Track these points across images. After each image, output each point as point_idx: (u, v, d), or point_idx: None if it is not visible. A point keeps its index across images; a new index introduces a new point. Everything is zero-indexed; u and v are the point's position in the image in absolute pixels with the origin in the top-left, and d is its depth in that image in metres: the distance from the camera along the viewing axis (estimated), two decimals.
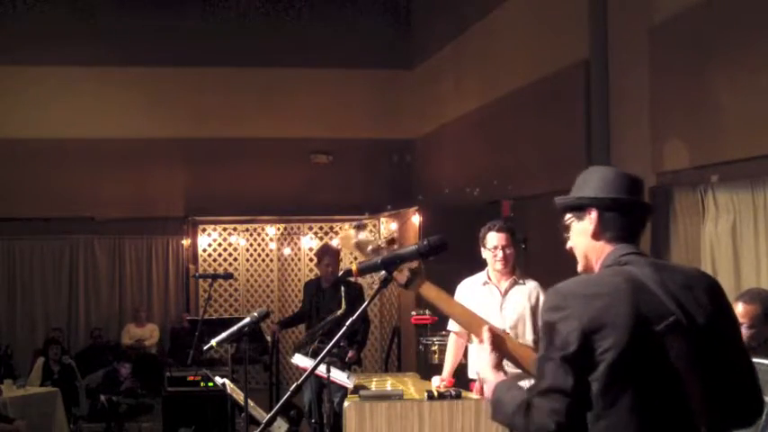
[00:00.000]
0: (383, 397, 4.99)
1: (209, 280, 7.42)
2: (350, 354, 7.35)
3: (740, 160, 5.63)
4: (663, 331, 1.95)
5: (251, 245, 12.15)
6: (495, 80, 9.50)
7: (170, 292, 12.30)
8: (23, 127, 11.71)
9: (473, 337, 2.37)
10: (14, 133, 11.65)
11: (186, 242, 12.08)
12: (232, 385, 5.20)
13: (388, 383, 5.64)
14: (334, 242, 11.54)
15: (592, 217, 2.17)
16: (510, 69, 9.13)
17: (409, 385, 5.43)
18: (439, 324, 6.99)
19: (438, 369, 5.64)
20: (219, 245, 12.14)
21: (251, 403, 4.55)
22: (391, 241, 2.42)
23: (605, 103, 7.20)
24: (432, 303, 2.48)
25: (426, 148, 12.07)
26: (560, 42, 7.96)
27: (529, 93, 8.57)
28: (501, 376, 2.24)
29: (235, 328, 4.34)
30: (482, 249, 4.93)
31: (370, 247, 2.40)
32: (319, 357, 2.48)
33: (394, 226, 10.33)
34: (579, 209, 2.20)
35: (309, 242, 11.79)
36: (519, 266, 5.03)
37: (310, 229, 11.87)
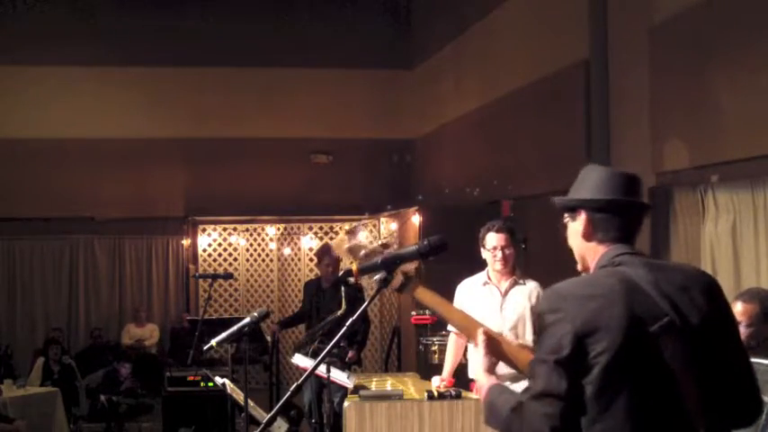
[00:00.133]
0: (383, 397, 4.99)
1: (209, 280, 7.42)
2: (350, 354, 7.35)
3: (740, 160, 5.63)
4: (657, 332, 1.94)
5: (251, 245, 12.15)
6: (495, 80, 9.49)
7: (170, 292, 12.30)
8: (23, 127, 11.71)
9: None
10: (14, 133, 11.65)
11: (186, 242, 12.08)
12: (232, 385, 5.20)
13: (388, 383, 5.64)
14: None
15: (582, 218, 2.18)
16: (510, 69, 9.13)
17: (409, 385, 5.43)
18: (439, 324, 6.99)
19: (438, 369, 5.64)
20: (219, 245, 12.14)
21: (251, 403, 4.55)
22: (384, 245, 2.42)
23: (605, 103, 7.20)
24: (427, 307, 2.47)
25: (426, 148, 12.07)
26: (560, 42, 7.96)
27: (529, 93, 8.57)
28: (493, 380, 2.24)
29: (235, 328, 4.34)
30: (482, 249, 4.93)
31: (362, 252, 2.39)
32: (319, 357, 2.48)
33: (394, 226, 10.33)
34: (572, 209, 2.20)
35: (309, 242, 11.79)
36: (519, 266, 5.03)
37: (310, 229, 11.87)
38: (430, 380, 5.30)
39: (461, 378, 5.20)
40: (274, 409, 2.40)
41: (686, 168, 6.20)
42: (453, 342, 5.17)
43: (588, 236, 2.17)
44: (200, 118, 12.13)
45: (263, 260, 12.14)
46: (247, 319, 4.38)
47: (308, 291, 8.13)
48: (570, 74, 7.65)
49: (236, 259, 12.10)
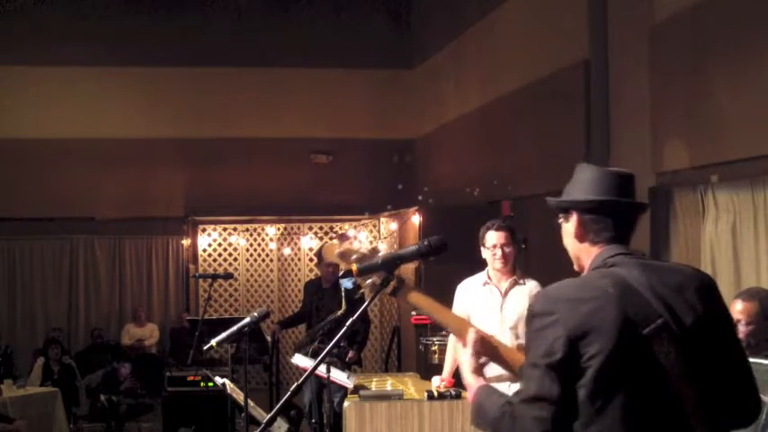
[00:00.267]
0: (383, 397, 4.99)
1: (209, 280, 7.42)
2: (350, 354, 7.35)
3: (740, 160, 5.63)
4: (650, 334, 1.92)
5: (251, 245, 12.15)
6: (495, 80, 9.50)
7: (170, 292, 12.30)
8: (23, 127, 11.71)
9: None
10: (14, 133, 11.66)
11: (186, 242, 12.08)
12: (232, 385, 5.20)
13: (388, 383, 5.64)
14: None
15: (574, 219, 2.16)
16: (510, 69, 9.13)
17: (409, 385, 5.43)
18: (439, 324, 6.98)
19: (438, 369, 5.64)
20: (219, 245, 12.14)
21: (251, 403, 4.55)
22: (374, 250, 2.41)
23: (605, 103, 7.20)
24: (421, 311, 2.46)
25: (426, 148, 12.07)
26: (560, 42, 7.96)
27: (529, 93, 8.57)
28: (482, 381, 2.22)
29: (235, 328, 4.34)
30: (482, 249, 4.92)
31: (353, 257, 2.39)
32: (319, 357, 2.48)
33: (394, 226, 10.33)
34: (565, 210, 2.19)
35: (309, 242, 11.80)
36: (519, 266, 5.03)
37: (310, 229, 11.87)
38: (430, 380, 5.30)
39: (461, 378, 5.19)
40: (274, 409, 2.40)
41: (686, 168, 6.20)
42: (453, 342, 5.16)
43: (581, 237, 2.16)
44: (201, 118, 12.14)
45: (263, 260, 12.14)
46: (247, 319, 4.38)
47: (308, 291, 8.13)
48: (570, 74, 7.65)
49: (236, 259, 12.10)
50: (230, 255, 12.12)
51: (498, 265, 4.86)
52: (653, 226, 6.29)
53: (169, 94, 12.20)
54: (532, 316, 2.01)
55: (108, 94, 12.00)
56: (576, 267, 2.21)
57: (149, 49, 11.82)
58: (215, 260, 12.06)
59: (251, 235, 12.16)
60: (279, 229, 12.07)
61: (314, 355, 6.28)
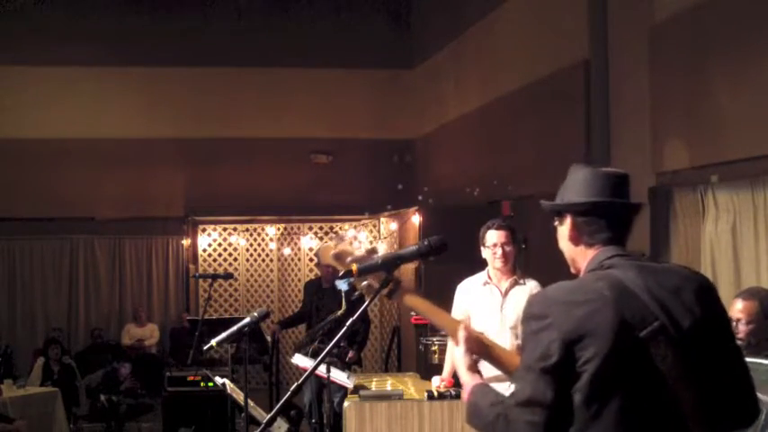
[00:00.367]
0: (383, 397, 4.99)
1: (209, 280, 7.42)
2: (350, 354, 7.35)
3: (740, 160, 5.63)
4: (647, 337, 1.90)
5: (251, 245, 12.15)
6: (495, 80, 9.50)
7: (170, 292, 12.30)
8: (23, 127, 11.72)
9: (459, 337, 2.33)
10: (14, 133, 11.66)
11: (186, 242, 12.09)
12: (232, 385, 5.20)
13: (388, 383, 5.64)
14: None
15: (568, 222, 2.14)
16: (510, 69, 9.13)
17: (409, 385, 5.43)
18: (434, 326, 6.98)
19: (438, 369, 5.64)
20: (219, 245, 12.14)
21: (251, 403, 4.55)
22: (371, 251, 2.40)
23: (605, 103, 7.20)
24: (417, 313, 2.45)
25: (426, 148, 12.07)
26: (560, 42, 7.96)
27: (529, 93, 8.57)
28: (477, 378, 2.21)
29: (235, 328, 4.34)
30: (482, 248, 4.92)
31: (349, 259, 2.38)
32: (320, 358, 2.48)
33: (394, 226, 10.33)
34: (559, 213, 2.17)
35: (309, 242, 11.80)
36: (519, 266, 5.03)
37: (310, 229, 11.87)
38: (430, 380, 5.29)
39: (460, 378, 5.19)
40: (274, 410, 2.40)
41: (686, 168, 6.20)
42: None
43: (575, 239, 2.14)
44: (201, 118, 12.14)
45: (263, 260, 12.14)
46: (247, 319, 4.38)
47: (308, 291, 8.13)
48: (570, 74, 7.65)
49: (236, 259, 12.10)
50: (230, 255, 12.12)
51: (498, 264, 4.86)
52: (653, 226, 6.29)
53: (169, 94, 12.20)
54: (528, 319, 1.99)
55: (108, 94, 12.01)
56: (573, 270, 2.19)
57: (149, 49, 11.82)
58: (215, 260, 12.06)
59: (251, 235, 12.16)
60: (279, 229, 12.07)
61: (314, 355, 6.28)
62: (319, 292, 7.77)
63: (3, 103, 11.73)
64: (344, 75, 12.33)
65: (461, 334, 2.27)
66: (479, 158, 9.99)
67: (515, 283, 4.92)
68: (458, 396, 4.84)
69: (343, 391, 5.94)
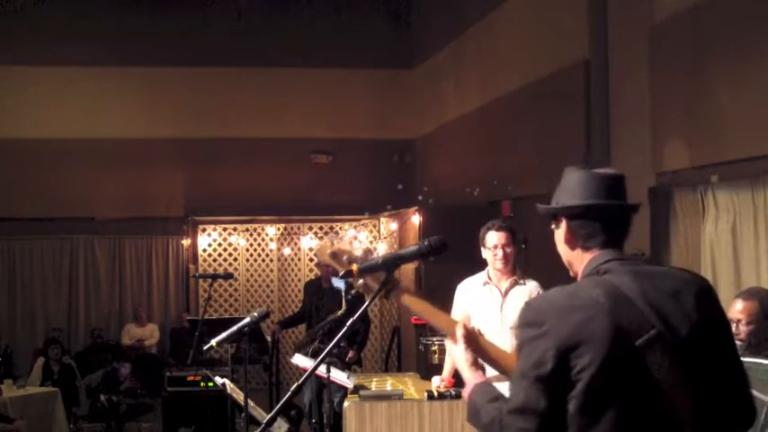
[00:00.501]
0: (383, 397, 5.00)
1: (209, 280, 7.42)
2: (350, 354, 7.36)
3: (740, 160, 5.63)
4: (643, 345, 1.88)
5: (251, 245, 12.15)
6: (495, 80, 9.50)
7: (170, 292, 12.31)
8: (23, 127, 11.72)
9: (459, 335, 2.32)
10: (14, 133, 11.66)
11: (186, 242, 12.09)
12: (232, 385, 5.20)
13: (388, 383, 5.64)
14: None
15: (563, 226, 2.12)
16: (510, 69, 9.13)
17: (409, 385, 5.43)
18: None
19: (438, 369, 5.64)
20: (219, 245, 12.14)
21: (251, 403, 4.55)
22: (367, 251, 2.41)
23: (605, 103, 7.20)
24: (414, 312, 2.45)
25: (426, 148, 12.07)
26: (560, 42, 7.96)
27: (529, 93, 8.57)
28: (480, 376, 2.20)
29: (235, 328, 4.34)
30: (482, 249, 4.92)
31: (345, 257, 2.38)
32: (320, 358, 2.48)
33: (394, 226, 10.33)
34: (554, 216, 2.15)
35: (309, 242, 11.80)
36: (519, 266, 5.03)
37: (310, 229, 11.87)
38: (430, 380, 5.29)
39: (461, 378, 5.19)
40: (275, 410, 2.40)
41: (686, 168, 6.20)
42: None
43: (571, 243, 2.11)
44: (201, 118, 12.14)
45: (263, 260, 12.14)
46: (247, 319, 4.38)
47: (308, 291, 8.13)
48: (570, 74, 7.65)
49: (236, 259, 12.10)
50: (230, 255, 12.12)
51: (499, 265, 4.86)
52: (653, 226, 6.29)
53: (169, 94, 12.20)
54: (523, 325, 1.97)
55: (108, 94, 12.01)
56: (571, 273, 2.17)
57: (149, 49, 11.82)
58: (215, 260, 12.06)
59: (251, 235, 12.16)
60: (279, 229, 12.07)
61: (314, 355, 6.28)
62: (319, 292, 7.77)
63: (3, 103, 11.73)
64: (344, 75, 12.33)
65: (460, 332, 2.27)
66: (479, 158, 9.99)
67: (515, 284, 4.92)
68: (458, 396, 4.84)
69: (343, 391, 5.94)
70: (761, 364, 3.15)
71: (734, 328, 3.59)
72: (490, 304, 4.89)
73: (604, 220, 2.08)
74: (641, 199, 6.10)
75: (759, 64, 5.41)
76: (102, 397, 9.04)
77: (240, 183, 12.12)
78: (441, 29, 11.24)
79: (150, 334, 11.74)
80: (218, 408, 7.15)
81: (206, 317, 8.79)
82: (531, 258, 7.30)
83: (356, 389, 5.32)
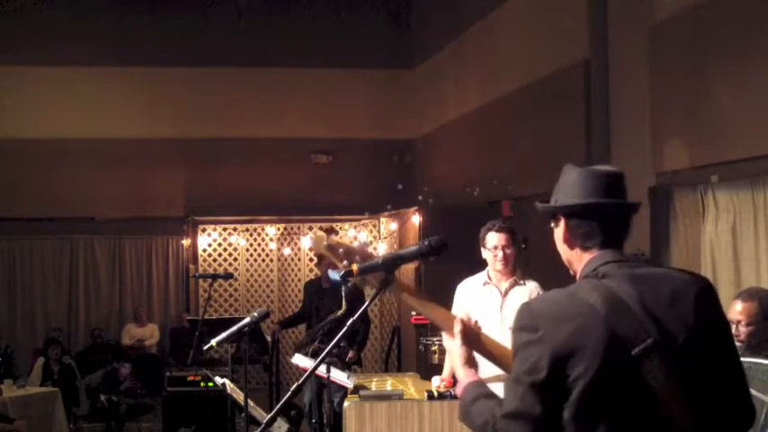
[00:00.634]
0: (383, 397, 4.99)
1: (209, 280, 7.42)
2: (350, 354, 7.36)
3: (740, 160, 5.63)
4: (639, 355, 1.85)
5: (251, 245, 12.16)
6: (495, 80, 9.50)
7: (170, 292, 12.31)
8: (23, 127, 11.72)
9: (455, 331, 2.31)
10: (14, 133, 11.66)
11: (186, 242, 12.09)
12: (232, 385, 5.20)
13: (388, 383, 5.64)
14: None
15: (562, 225, 2.09)
16: (510, 69, 9.13)
17: (409, 385, 5.43)
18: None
19: (438, 369, 5.64)
20: (219, 245, 12.14)
21: (251, 403, 4.55)
22: (363, 244, 2.40)
23: (605, 103, 7.20)
24: (410, 305, 2.44)
25: (426, 148, 12.07)
26: (560, 42, 7.96)
27: (529, 93, 8.57)
28: (473, 375, 2.19)
29: (235, 328, 4.34)
30: (482, 249, 4.92)
31: (341, 250, 2.38)
32: (320, 358, 2.48)
33: (394, 226, 10.33)
34: (554, 215, 2.12)
35: (309, 242, 11.79)
36: (519, 266, 5.03)
37: (310, 229, 11.87)
38: (430, 380, 5.29)
39: None
40: (275, 410, 2.40)
41: (686, 168, 6.20)
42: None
43: (570, 242, 2.08)
44: (201, 118, 12.14)
45: (263, 260, 12.14)
46: (247, 319, 4.38)
47: (308, 291, 8.13)
48: (570, 74, 7.66)
49: (236, 259, 12.10)
50: (230, 255, 12.12)
51: (499, 266, 4.86)
52: (653, 226, 6.29)
53: (169, 94, 12.20)
54: (518, 329, 1.95)
55: (108, 94, 12.01)
56: (571, 272, 2.15)
57: (149, 49, 11.82)
58: (215, 260, 12.06)
59: (251, 235, 12.16)
60: (279, 229, 12.07)
61: (314, 355, 6.28)
62: (319, 292, 7.77)
63: (3, 103, 11.73)
64: (344, 75, 12.33)
65: (458, 327, 2.26)
66: (479, 158, 9.99)
67: (515, 284, 4.92)
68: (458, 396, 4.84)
69: (343, 391, 5.94)
70: (761, 364, 3.15)
71: (733, 329, 3.59)
72: (490, 304, 4.89)
73: (603, 220, 2.05)
74: (641, 199, 6.10)
75: (759, 64, 5.41)
76: (102, 397, 9.04)
77: (240, 183, 12.12)
78: (441, 29, 11.24)
79: (150, 334, 11.74)
80: (218, 408, 7.15)
81: (206, 317, 8.80)
82: (531, 258, 7.30)
83: (356, 389, 5.32)
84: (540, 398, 1.86)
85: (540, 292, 4.89)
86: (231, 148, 12.15)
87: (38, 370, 9.57)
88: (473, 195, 9.24)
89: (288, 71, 12.22)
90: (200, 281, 11.69)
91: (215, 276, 8.17)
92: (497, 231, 4.85)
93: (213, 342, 4.47)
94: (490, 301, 4.91)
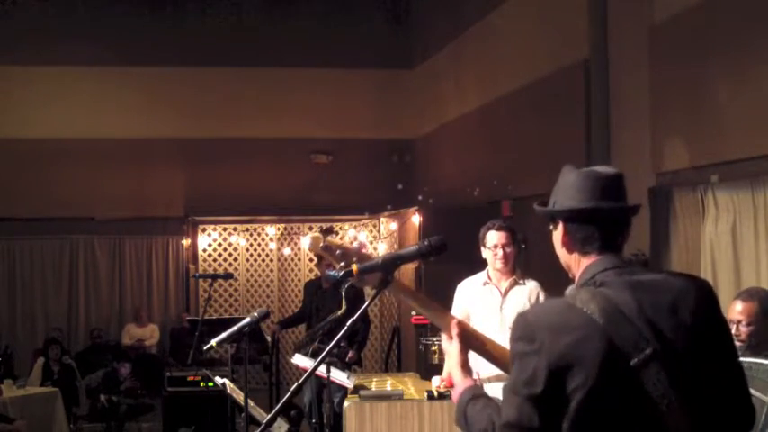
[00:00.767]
0: (383, 397, 5.00)
1: (209, 280, 7.42)
2: (350, 354, 7.36)
3: (740, 160, 5.63)
4: (638, 365, 1.83)
5: (251, 245, 12.16)
6: (495, 80, 9.50)
7: (170, 292, 12.31)
8: (23, 127, 11.72)
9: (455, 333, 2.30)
10: (14, 133, 11.66)
11: (186, 242, 12.09)
12: (232, 385, 5.20)
13: (388, 383, 5.64)
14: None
15: (560, 228, 2.06)
16: (510, 69, 9.13)
17: (409, 385, 5.43)
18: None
19: (438, 369, 5.64)
20: (219, 245, 12.14)
21: (251, 403, 4.55)
22: (360, 244, 2.40)
23: (605, 103, 7.20)
24: (408, 302, 2.44)
25: (426, 148, 12.07)
26: (560, 42, 7.96)
27: (529, 93, 8.57)
28: (468, 380, 2.17)
29: (235, 328, 4.34)
30: (482, 249, 4.92)
31: (338, 251, 2.37)
32: (320, 358, 2.48)
33: (394, 226, 10.33)
34: (552, 218, 2.09)
35: (307, 243, 11.77)
36: (519, 266, 5.03)
37: (310, 229, 11.87)
38: (430, 380, 5.29)
39: None
40: (275, 410, 2.40)
41: (686, 168, 6.20)
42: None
43: (569, 246, 2.05)
44: (200, 118, 12.14)
45: (263, 260, 12.14)
46: (247, 319, 4.38)
47: (308, 291, 8.13)
48: (570, 74, 7.65)
49: (236, 259, 12.10)
50: (230, 255, 12.12)
51: (499, 265, 4.86)
52: (653, 226, 6.29)
53: (169, 94, 12.20)
54: (515, 338, 1.93)
55: (108, 94, 12.01)
56: (569, 275, 2.13)
57: (149, 49, 11.82)
58: (215, 260, 12.06)
59: (251, 235, 12.16)
60: (279, 229, 12.07)
61: (314, 355, 6.28)
62: (319, 292, 7.77)
63: (3, 103, 11.73)
64: (344, 75, 12.33)
65: (455, 330, 2.25)
66: (479, 158, 9.98)
67: (515, 283, 4.92)
68: None
69: (343, 391, 5.94)
70: (761, 364, 3.14)
71: (734, 329, 3.60)
72: (490, 304, 4.89)
73: (601, 224, 2.01)
74: (641, 199, 6.10)
75: (759, 64, 5.41)
76: (102, 397, 9.04)
77: (240, 183, 12.12)
78: (441, 29, 11.24)
79: (150, 334, 11.74)
80: (218, 408, 7.14)
81: (206, 317, 8.80)
82: (531, 258, 7.30)
83: (356, 389, 5.33)
84: (537, 410, 1.85)
85: (541, 292, 4.90)
86: (231, 148, 12.15)
87: (38, 370, 9.58)
88: (473, 195, 9.24)
89: (288, 71, 12.22)
90: (200, 281, 11.69)
91: (215, 276, 8.18)
92: (497, 230, 4.85)
93: (213, 342, 4.47)
94: (490, 300, 4.91)
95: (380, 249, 10.38)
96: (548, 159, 7.92)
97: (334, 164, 12.40)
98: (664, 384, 1.84)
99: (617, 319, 1.87)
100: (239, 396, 4.93)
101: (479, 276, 5.00)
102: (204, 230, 12.11)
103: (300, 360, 6.12)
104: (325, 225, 11.84)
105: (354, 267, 2.29)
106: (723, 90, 5.78)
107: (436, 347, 6.85)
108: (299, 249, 11.92)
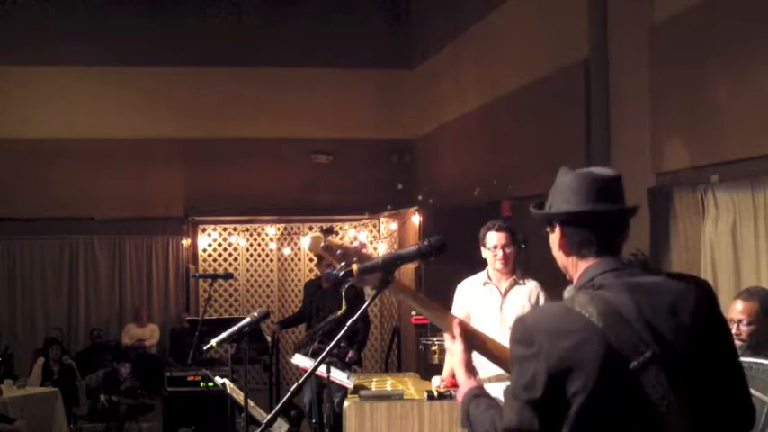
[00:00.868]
0: (383, 397, 5.00)
1: (209, 280, 7.42)
2: (350, 354, 7.36)
3: (740, 160, 5.63)
4: (637, 368, 1.83)
5: (251, 245, 12.16)
6: (495, 80, 9.50)
7: (170, 292, 12.30)
8: (23, 127, 11.71)
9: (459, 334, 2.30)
10: (14, 133, 11.66)
11: (186, 242, 12.09)
12: (232, 385, 5.20)
13: (388, 383, 5.64)
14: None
15: (557, 231, 2.05)
16: (510, 69, 9.13)
17: (409, 385, 5.43)
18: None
19: (438, 369, 5.64)
20: (219, 245, 12.14)
21: (251, 403, 4.55)
22: (360, 244, 2.41)
23: (605, 103, 7.20)
24: (408, 302, 2.44)
25: (426, 148, 12.07)
26: (560, 42, 7.96)
27: (529, 93, 8.57)
28: (472, 381, 2.17)
29: (235, 328, 4.34)
30: (482, 249, 4.93)
31: (338, 251, 2.38)
32: (320, 358, 2.48)
33: (394, 226, 10.33)
34: (548, 221, 2.08)
35: (307, 243, 11.77)
36: (519, 266, 5.03)
37: (310, 229, 11.87)
38: (430, 380, 5.30)
39: None
40: (275, 410, 2.40)
41: (686, 168, 6.20)
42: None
43: (566, 249, 2.04)
44: (200, 118, 12.13)
45: (263, 260, 12.14)
46: (247, 319, 4.38)
47: (308, 291, 8.13)
48: (570, 74, 7.65)
49: (236, 259, 12.10)
50: (230, 255, 12.12)
51: (499, 265, 4.87)
52: (653, 226, 6.29)
53: (169, 94, 12.20)
54: (514, 342, 1.93)
55: (108, 94, 12.00)
56: (568, 277, 2.12)
57: (149, 49, 11.82)
58: (215, 260, 12.06)
59: (251, 235, 12.16)
60: (279, 229, 12.07)
61: (314, 355, 6.28)
62: (319, 292, 7.77)
63: (3, 103, 11.73)
64: (344, 75, 12.33)
65: (457, 330, 2.25)
66: (479, 158, 9.98)
67: (515, 284, 4.93)
68: None
69: (343, 391, 5.95)
70: (761, 363, 3.15)
71: (734, 329, 3.60)
72: (490, 304, 4.90)
73: (599, 227, 2.00)
74: (641, 199, 6.10)
75: (759, 64, 5.41)
76: (102, 397, 9.04)
77: (240, 183, 12.11)
78: (441, 29, 11.23)
79: (150, 334, 11.74)
80: (218, 408, 7.15)
81: (206, 317, 8.80)
82: (531, 258, 7.30)
83: (356, 389, 5.33)
84: (537, 414, 1.85)
85: (541, 292, 4.90)
86: (231, 148, 12.14)
87: (38, 370, 9.58)
88: (473, 195, 9.24)
89: (288, 71, 12.21)
90: (200, 281, 11.69)
91: (215, 276, 8.18)
92: (497, 231, 4.86)
93: (213, 342, 4.47)
94: (490, 300, 4.91)
95: (380, 249, 10.38)
96: (548, 159, 7.92)
97: (334, 164, 12.40)
98: (663, 386, 1.84)
99: (616, 321, 1.86)
100: (239, 396, 4.93)
101: (479, 276, 5.01)
102: (204, 230, 12.11)
103: (300, 360, 6.12)
104: (325, 225, 11.83)
105: (354, 267, 2.29)
106: (723, 90, 5.78)
107: (436, 347, 6.85)
108: (299, 249, 11.92)
